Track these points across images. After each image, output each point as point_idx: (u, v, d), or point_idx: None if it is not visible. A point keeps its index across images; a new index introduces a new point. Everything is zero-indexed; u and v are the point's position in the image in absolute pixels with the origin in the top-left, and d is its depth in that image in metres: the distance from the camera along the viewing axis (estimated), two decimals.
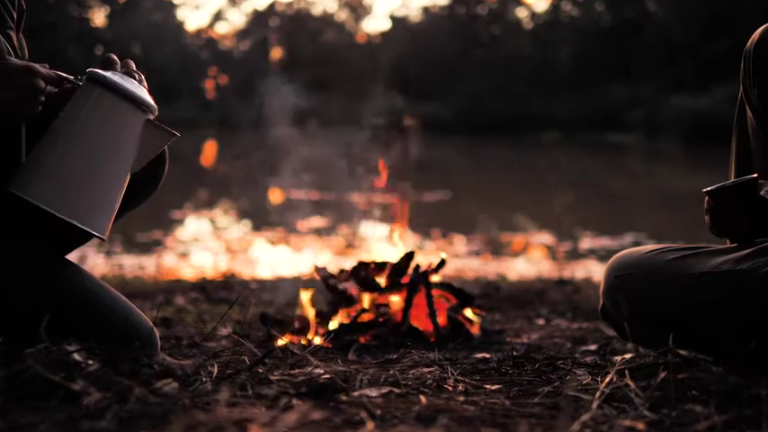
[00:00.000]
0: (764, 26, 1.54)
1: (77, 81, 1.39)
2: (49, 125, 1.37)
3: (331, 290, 2.36)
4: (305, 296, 2.35)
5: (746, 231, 1.49)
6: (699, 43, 25.40)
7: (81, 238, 1.66)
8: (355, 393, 1.21)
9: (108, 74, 1.38)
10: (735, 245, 1.48)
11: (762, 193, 1.43)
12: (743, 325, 1.38)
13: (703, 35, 25.20)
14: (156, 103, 1.41)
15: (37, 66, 1.34)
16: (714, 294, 1.41)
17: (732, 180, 1.48)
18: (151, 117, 1.40)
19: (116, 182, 1.40)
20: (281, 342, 2.09)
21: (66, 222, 1.36)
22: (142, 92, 1.40)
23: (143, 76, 1.44)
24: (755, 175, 1.45)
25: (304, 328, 2.28)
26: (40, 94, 1.34)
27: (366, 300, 2.32)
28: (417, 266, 2.37)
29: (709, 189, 1.46)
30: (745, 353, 1.38)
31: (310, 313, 2.34)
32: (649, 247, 1.58)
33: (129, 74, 1.41)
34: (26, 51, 1.53)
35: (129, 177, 1.42)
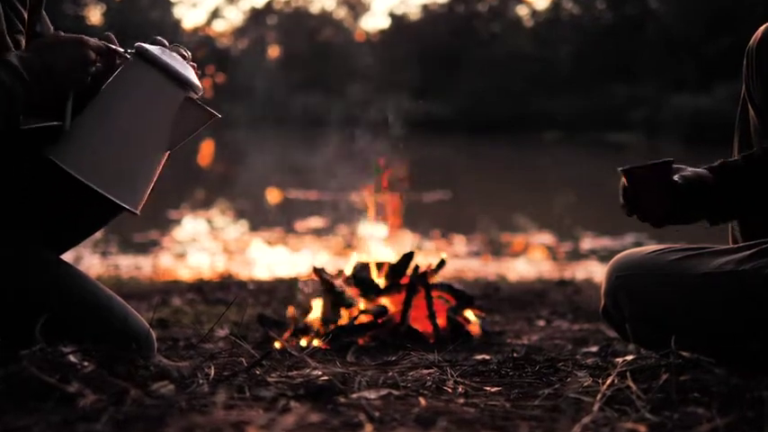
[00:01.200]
0: (767, 24, 1.54)
1: (126, 55, 1.42)
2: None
3: (329, 291, 2.36)
4: (303, 298, 2.35)
5: (660, 215, 1.49)
6: (700, 42, 25.41)
7: (77, 237, 1.66)
8: (354, 395, 1.21)
9: (153, 49, 1.40)
10: (736, 245, 1.48)
11: (675, 177, 1.44)
12: (745, 326, 1.38)
13: (705, 33, 25.21)
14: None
15: (87, 38, 1.39)
16: (716, 295, 1.41)
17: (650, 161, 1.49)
18: (192, 96, 1.41)
19: (152, 157, 1.42)
20: (278, 344, 2.09)
21: (65, 220, 1.37)
22: (186, 70, 1.42)
23: (190, 56, 1.46)
24: (671, 159, 1.47)
25: (302, 330, 2.28)
26: (89, 65, 1.39)
27: (365, 301, 2.32)
28: (417, 267, 2.37)
29: (624, 168, 1.47)
30: (747, 354, 1.38)
31: (308, 315, 2.34)
32: (651, 247, 1.58)
33: (177, 52, 1.44)
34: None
35: (166, 155, 1.44)
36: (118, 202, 1.38)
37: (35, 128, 1.42)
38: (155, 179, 1.44)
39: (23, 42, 1.44)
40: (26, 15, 1.46)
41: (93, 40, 1.41)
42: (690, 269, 1.45)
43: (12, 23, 1.41)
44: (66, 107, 1.39)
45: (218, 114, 1.44)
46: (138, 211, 1.41)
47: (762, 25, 1.55)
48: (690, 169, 1.49)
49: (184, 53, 1.45)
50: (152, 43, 1.45)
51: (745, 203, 1.49)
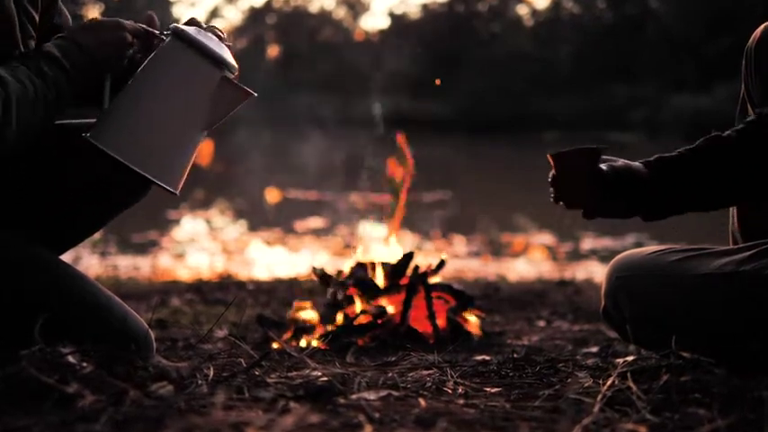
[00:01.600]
0: (766, 24, 1.54)
1: (163, 36, 1.44)
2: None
3: (329, 291, 2.36)
4: (302, 298, 2.36)
5: (582, 203, 1.49)
6: (700, 42, 25.41)
7: (77, 237, 1.65)
8: (353, 396, 1.21)
9: (189, 29, 1.42)
10: (736, 246, 1.48)
11: (603, 166, 1.44)
12: (745, 326, 1.38)
13: (705, 33, 25.21)
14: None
15: (124, 21, 1.42)
16: (716, 296, 1.41)
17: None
18: (228, 75, 1.43)
19: (190, 138, 1.44)
20: (277, 344, 2.09)
21: (63, 220, 1.37)
22: (221, 49, 1.43)
23: (225, 36, 1.48)
24: (602, 147, 1.47)
25: (302, 330, 2.28)
26: (126, 48, 1.42)
27: (364, 301, 2.32)
28: (416, 267, 2.36)
29: (552, 153, 1.47)
30: (747, 354, 1.39)
31: (308, 315, 2.34)
32: (652, 248, 1.58)
33: (213, 32, 1.45)
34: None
35: (204, 135, 1.46)
36: (156, 181, 1.40)
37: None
38: (192, 159, 1.46)
39: (33, 45, 1.44)
40: (38, 18, 1.46)
41: (130, 23, 1.43)
42: (690, 270, 1.45)
43: (25, 29, 1.41)
44: (104, 90, 1.42)
45: (254, 93, 1.45)
46: (177, 192, 1.43)
47: (761, 25, 1.55)
48: (622, 161, 1.49)
49: (220, 33, 1.47)
50: (188, 24, 1.47)
51: (682, 198, 1.49)
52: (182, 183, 1.45)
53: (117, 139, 1.38)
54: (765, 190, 1.48)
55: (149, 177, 1.39)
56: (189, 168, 1.46)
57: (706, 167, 1.46)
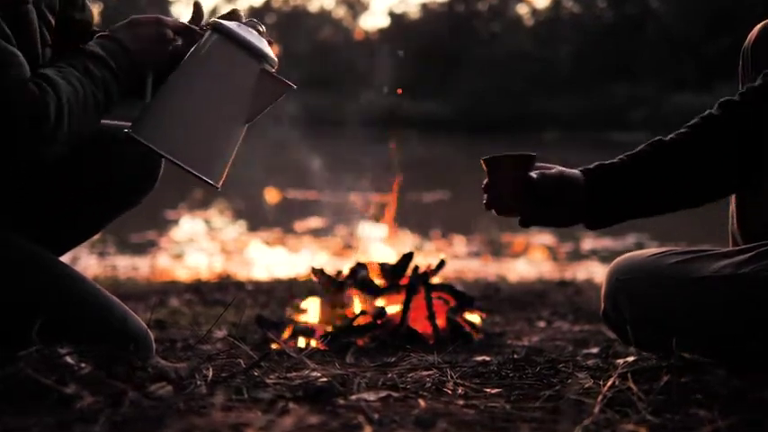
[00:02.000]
0: (762, 23, 1.54)
1: (203, 31, 1.46)
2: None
3: (328, 292, 2.36)
4: (302, 298, 2.35)
5: (511, 209, 1.49)
6: (701, 41, 25.43)
7: (77, 237, 1.65)
8: (353, 397, 1.20)
9: (229, 23, 1.44)
10: (735, 248, 1.48)
11: (533, 173, 1.44)
12: (745, 328, 1.39)
13: (705, 33, 25.23)
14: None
15: (164, 17, 1.45)
16: (717, 298, 1.41)
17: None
18: (268, 68, 1.44)
19: (230, 131, 1.45)
20: (277, 345, 2.09)
21: (64, 220, 1.37)
22: (261, 43, 1.45)
23: (265, 30, 1.49)
24: (533, 154, 1.47)
25: (301, 331, 2.28)
26: (168, 43, 1.44)
27: (364, 302, 2.32)
28: (416, 268, 2.36)
29: (485, 158, 1.47)
30: (747, 355, 1.39)
31: (307, 316, 2.34)
32: (651, 250, 1.58)
33: (253, 26, 1.46)
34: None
35: (245, 129, 1.47)
36: (198, 174, 1.41)
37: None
38: (234, 153, 1.47)
39: (49, 53, 1.44)
40: (54, 22, 1.46)
41: (170, 19, 1.45)
42: (690, 273, 1.46)
43: (44, 38, 1.41)
44: (146, 85, 1.44)
45: (294, 86, 1.46)
46: (218, 186, 1.44)
47: (757, 25, 1.55)
48: (557, 169, 1.48)
49: (260, 28, 1.48)
50: (228, 17, 1.48)
51: (623, 205, 1.49)
52: (223, 176, 1.46)
53: (158, 134, 1.40)
54: (709, 193, 1.48)
55: (191, 170, 1.41)
56: (230, 162, 1.47)
57: (647, 173, 1.46)
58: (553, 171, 1.47)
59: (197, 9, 1.52)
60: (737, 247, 1.49)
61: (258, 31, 1.48)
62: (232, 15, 1.50)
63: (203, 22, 1.51)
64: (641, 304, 1.52)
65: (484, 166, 1.48)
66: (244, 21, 1.48)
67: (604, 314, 1.62)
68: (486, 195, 1.49)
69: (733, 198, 1.62)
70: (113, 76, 1.39)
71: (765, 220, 1.53)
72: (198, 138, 1.43)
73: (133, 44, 1.42)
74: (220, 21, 1.45)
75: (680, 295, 1.46)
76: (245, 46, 1.42)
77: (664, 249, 1.56)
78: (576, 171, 1.48)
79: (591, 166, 1.49)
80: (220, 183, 1.45)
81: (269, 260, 5.43)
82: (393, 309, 2.30)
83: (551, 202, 1.46)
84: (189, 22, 1.51)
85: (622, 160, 1.48)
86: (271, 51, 1.46)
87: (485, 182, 1.49)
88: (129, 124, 1.43)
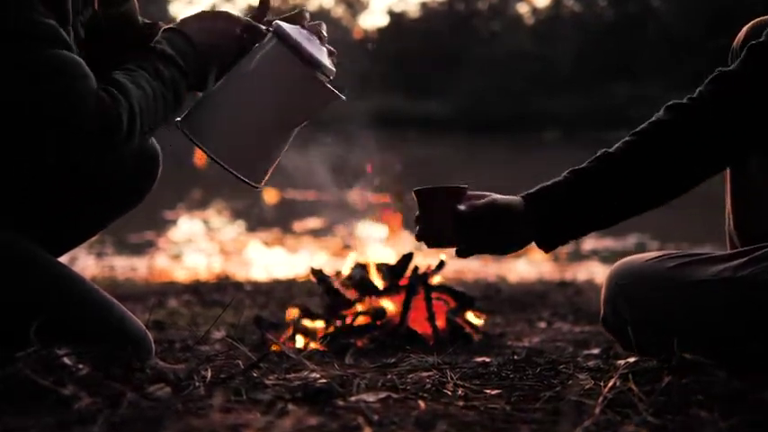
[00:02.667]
0: (750, 23, 1.54)
1: (268, 30, 1.46)
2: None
3: (327, 292, 2.36)
4: (301, 299, 2.35)
5: (438, 242, 1.50)
6: (701, 40, 25.44)
7: (78, 237, 1.65)
8: (352, 398, 1.21)
9: (289, 27, 1.44)
10: (732, 251, 1.49)
11: (461, 206, 1.44)
12: (746, 329, 1.39)
13: (706, 32, 25.23)
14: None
15: (232, 13, 1.47)
16: (716, 301, 1.41)
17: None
18: (321, 77, 1.44)
19: (276, 135, 1.47)
20: (276, 346, 2.09)
21: (65, 220, 1.37)
22: (318, 50, 1.45)
23: (326, 36, 1.49)
24: (464, 186, 1.47)
25: (300, 332, 2.28)
26: (235, 39, 1.45)
27: (363, 302, 2.32)
28: (416, 268, 2.37)
29: (416, 189, 1.48)
30: (748, 356, 1.39)
31: (306, 316, 2.34)
32: (650, 254, 1.59)
33: (316, 32, 1.47)
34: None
35: (293, 133, 1.48)
36: (238, 176, 1.42)
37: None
38: (279, 157, 1.48)
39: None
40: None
41: (238, 15, 1.46)
42: (689, 276, 1.46)
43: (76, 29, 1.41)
44: (207, 80, 1.45)
45: (344, 97, 1.46)
46: (259, 186, 1.45)
47: (745, 25, 1.55)
48: (491, 197, 1.47)
49: (322, 33, 1.48)
50: (292, 19, 1.48)
51: (574, 224, 1.48)
52: (265, 178, 1.47)
53: (204, 130, 1.42)
54: (662, 199, 1.48)
55: (232, 171, 1.42)
56: (275, 165, 1.48)
57: (596, 189, 1.46)
58: (484, 201, 1.46)
59: (263, 3, 1.52)
60: (734, 251, 1.49)
61: (320, 36, 1.47)
62: (296, 17, 1.49)
63: (269, 20, 1.51)
64: (641, 308, 1.52)
65: (415, 197, 1.48)
66: (308, 23, 1.48)
67: (604, 319, 1.63)
68: (417, 227, 1.50)
69: (728, 199, 1.63)
70: (182, 75, 1.40)
71: (764, 219, 1.54)
72: (243, 140, 1.44)
73: (201, 39, 1.43)
74: (282, 24, 1.45)
75: (679, 299, 1.46)
76: (300, 53, 1.42)
77: (662, 253, 1.57)
78: (512, 198, 1.48)
79: (533, 190, 1.48)
80: (261, 183, 1.47)
81: (268, 261, 5.43)
82: (393, 309, 2.30)
83: (484, 232, 1.47)
84: (252, 16, 1.51)
85: (567, 178, 1.47)
86: (327, 60, 1.46)
87: (417, 214, 1.49)
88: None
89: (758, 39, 1.44)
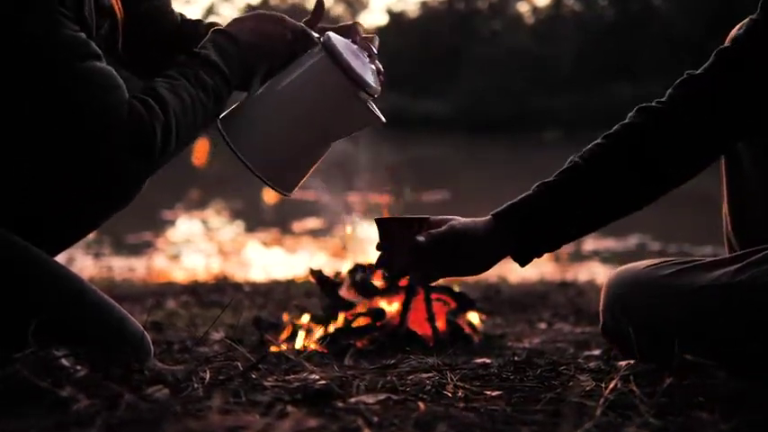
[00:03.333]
0: (740, 25, 1.54)
1: (319, 40, 1.45)
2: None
3: (327, 293, 2.36)
4: (300, 300, 2.35)
5: (398, 271, 1.51)
6: (702, 40, 25.45)
7: (77, 235, 1.65)
8: (352, 400, 1.21)
9: (339, 41, 1.42)
10: (729, 256, 1.49)
11: (420, 237, 1.44)
12: (747, 331, 1.39)
13: (706, 32, 25.24)
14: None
15: (287, 17, 1.46)
16: (716, 306, 1.42)
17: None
18: (364, 96, 1.43)
19: (312, 147, 1.47)
20: (275, 347, 2.09)
21: (66, 219, 1.37)
22: (365, 70, 1.43)
23: (374, 54, 1.48)
24: (427, 216, 1.48)
25: (299, 333, 2.28)
26: (285, 43, 1.45)
27: (363, 303, 2.32)
28: None
29: (376, 218, 1.49)
30: (749, 357, 1.39)
31: (305, 317, 2.34)
32: (647, 262, 1.59)
33: (366, 47, 1.46)
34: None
35: (329, 147, 1.48)
36: (269, 184, 1.43)
37: None
38: (312, 168, 1.49)
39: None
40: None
41: (292, 20, 1.46)
42: (685, 283, 1.47)
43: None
44: (252, 81, 1.45)
45: (383, 120, 1.46)
46: (288, 194, 1.46)
47: (736, 25, 1.55)
48: (450, 224, 1.47)
49: (373, 50, 1.47)
50: (345, 31, 1.48)
51: (550, 237, 1.48)
52: (297, 187, 1.48)
53: (241, 136, 1.42)
54: (640, 203, 1.48)
55: (262, 178, 1.42)
56: (307, 175, 1.49)
57: (569, 200, 1.46)
58: (442, 229, 1.46)
59: (318, 8, 1.52)
60: (731, 255, 1.50)
61: (370, 53, 1.46)
62: (350, 30, 1.48)
63: (323, 27, 1.50)
64: (639, 317, 1.52)
65: (378, 228, 1.49)
66: (360, 37, 1.47)
67: (603, 328, 1.63)
68: (378, 255, 1.50)
69: (725, 200, 1.63)
70: (225, 83, 1.40)
71: (763, 221, 1.54)
72: (279, 151, 1.44)
73: (249, 39, 1.42)
74: (333, 36, 1.43)
75: (678, 306, 1.47)
76: (347, 71, 1.40)
77: (659, 260, 1.58)
78: (474, 220, 1.48)
79: (502, 208, 1.48)
80: (292, 192, 1.47)
81: (267, 261, 5.44)
82: (392, 310, 2.30)
83: (444, 259, 1.47)
84: (306, 21, 1.50)
85: (537, 192, 1.47)
86: (373, 79, 1.45)
87: (377, 243, 1.50)
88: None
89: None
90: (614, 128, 1.51)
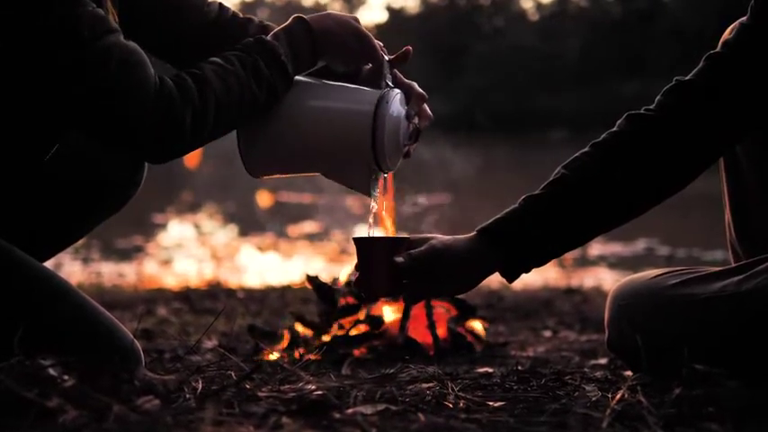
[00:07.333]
0: (736, 22, 1.55)
1: (385, 80, 1.48)
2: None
3: (323, 299, 2.36)
4: (295, 307, 2.36)
5: (376, 293, 1.54)
6: (712, 36, 25.49)
7: (63, 244, 1.66)
8: (349, 411, 1.21)
9: (392, 109, 1.42)
10: (732, 266, 1.50)
11: (399, 258, 1.45)
12: (754, 341, 1.40)
13: (718, 27, 25.29)
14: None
15: (362, 28, 1.48)
16: (721, 316, 1.43)
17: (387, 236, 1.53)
18: (376, 170, 1.45)
19: (307, 171, 1.53)
20: (270, 356, 2.09)
21: (60, 224, 1.39)
22: (396, 149, 1.44)
23: (415, 116, 1.48)
24: (407, 237, 1.49)
25: (295, 341, 2.28)
26: (349, 53, 1.48)
27: (361, 310, 2.32)
28: None
29: (356, 237, 1.50)
30: (758, 367, 1.40)
31: (301, 325, 2.34)
32: (651, 272, 1.60)
33: (412, 116, 1.47)
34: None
35: (315, 174, 1.53)
36: (243, 159, 1.45)
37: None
38: (288, 175, 1.54)
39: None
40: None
41: (368, 33, 1.47)
42: (691, 295, 1.47)
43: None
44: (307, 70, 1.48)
45: (373, 201, 1.49)
46: (252, 176, 1.49)
47: (735, 21, 1.56)
48: (431, 243, 1.47)
49: (422, 113, 1.50)
50: (408, 89, 1.49)
51: (540, 251, 1.49)
52: (264, 176, 1.52)
53: (250, 148, 1.45)
54: (631, 215, 1.49)
55: (242, 156, 1.45)
56: (281, 176, 1.56)
57: (559, 213, 1.46)
58: (421, 249, 1.46)
59: (404, 55, 1.51)
60: (735, 265, 1.51)
61: (413, 119, 1.47)
62: (410, 91, 1.49)
63: (393, 70, 1.50)
64: (645, 329, 1.52)
65: (356, 246, 1.50)
66: (415, 99, 1.49)
67: (609, 342, 1.64)
68: (356, 277, 1.51)
69: (727, 208, 1.64)
70: (283, 77, 1.39)
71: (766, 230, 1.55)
72: (274, 149, 1.46)
73: (318, 42, 1.44)
74: (392, 100, 1.43)
75: (683, 317, 1.48)
76: (376, 142, 1.41)
77: (663, 271, 1.58)
78: (455, 238, 1.48)
79: (487, 224, 1.48)
80: (258, 176, 1.51)
81: (261, 266, 5.44)
82: (391, 318, 2.30)
83: (423, 280, 1.48)
84: (390, 58, 1.50)
85: (524, 206, 1.47)
86: (396, 158, 1.46)
87: (355, 263, 1.51)
88: None
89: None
90: (602, 136, 1.51)
